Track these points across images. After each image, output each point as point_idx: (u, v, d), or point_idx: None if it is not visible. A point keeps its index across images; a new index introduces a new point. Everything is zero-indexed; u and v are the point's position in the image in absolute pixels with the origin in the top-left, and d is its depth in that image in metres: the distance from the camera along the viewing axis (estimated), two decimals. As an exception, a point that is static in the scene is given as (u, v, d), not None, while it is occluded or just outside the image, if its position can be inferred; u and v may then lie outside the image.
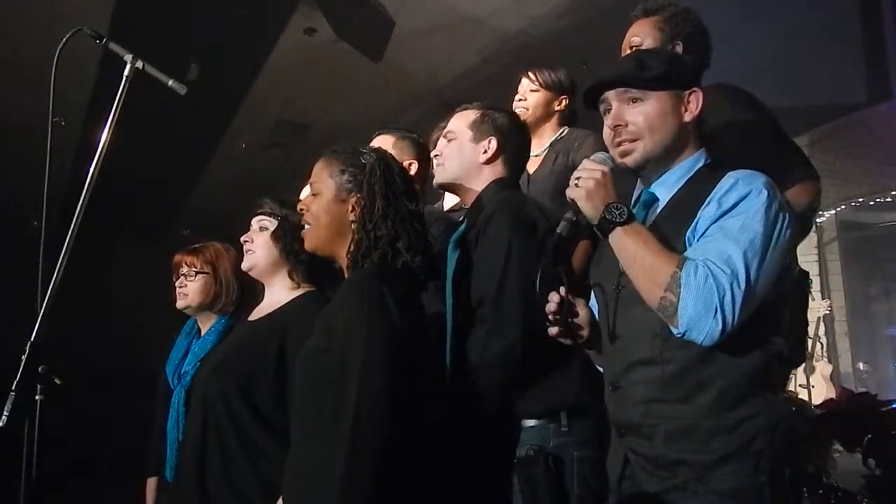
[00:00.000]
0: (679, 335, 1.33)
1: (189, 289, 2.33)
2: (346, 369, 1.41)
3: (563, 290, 1.51)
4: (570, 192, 1.48)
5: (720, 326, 1.29)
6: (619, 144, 1.49)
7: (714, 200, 1.38)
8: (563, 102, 2.62)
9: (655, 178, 1.51)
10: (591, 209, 1.44)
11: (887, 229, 8.06)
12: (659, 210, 1.51)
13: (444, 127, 2.14)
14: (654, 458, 1.40)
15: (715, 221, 1.37)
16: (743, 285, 1.30)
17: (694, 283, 1.30)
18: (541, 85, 2.61)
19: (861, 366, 7.42)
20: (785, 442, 1.37)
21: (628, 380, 1.46)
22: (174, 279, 2.37)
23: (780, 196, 1.40)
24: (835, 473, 3.55)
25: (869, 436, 3.50)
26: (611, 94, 1.50)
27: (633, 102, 1.48)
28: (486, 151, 1.93)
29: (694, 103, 1.49)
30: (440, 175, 2.00)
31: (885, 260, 8.34)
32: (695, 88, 1.50)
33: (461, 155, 1.95)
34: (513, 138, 1.97)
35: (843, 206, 7.52)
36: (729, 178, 1.40)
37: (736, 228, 1.34)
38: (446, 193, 2.47)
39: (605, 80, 1.52)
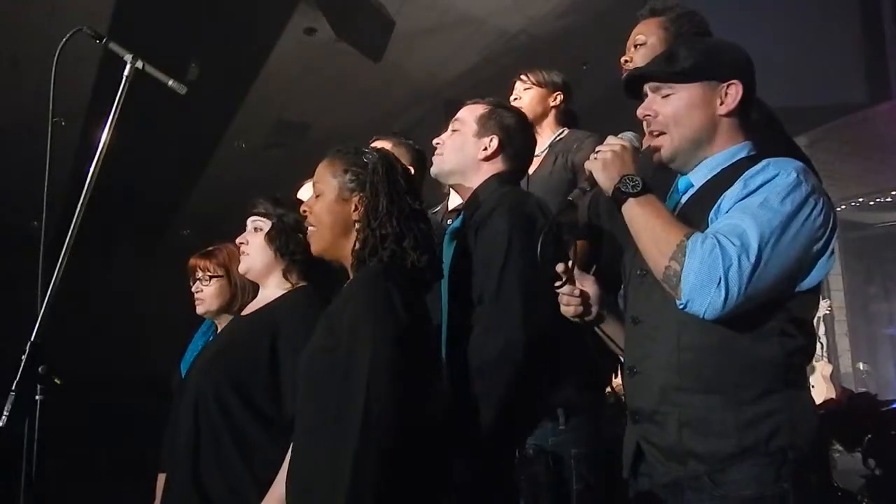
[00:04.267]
0: (682, 306, 1.29)
1: (205, 294, 2.35)
2: (354, 367, 1.41)
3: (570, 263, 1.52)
4: (588, 164, 1.48)
5: (722, 297, 1.25)
6: (651, 135, 1.48)
7: (741, 180, 1.35)
8: (558, 98, 2.66)
9: (692, 167, 1.48)
10: (606, 180, 1.43)
11: (887, 229, 8.07)
12: (690, 194, 1.48)
13: None
14: (666, 449, 1.37)
15: (739, 201, 1.33)
16: (752, 259, 1.25)
17: (699, 252, 1.27)
18: (533, 83, 2.65)
19: (861, 366, 7.43)
20: (809, 443, 1.31)
21: (646, 365, 1.43)
22: (191, 284, 2.39)
23: (814, 180, 1.36)
24: (835, 473, 3.55)
25: (869, 436, 3.50)
26: (648, 85, 1.50)
27: (665, 95, 1.46)
28: (486, 148, 1.92)
29: (731, 96, 1.43)
30: (437, 164, 1.99)
31: (885, 260, 8.34)
32: (734, 80, 1.44)
33: (462, 148, 1.94)
34: (516, 139, 1.95)
35: (843, 206, 7.51)
36: (762, 163, 1.37)
37: (755, 205, 1.30)
38: (451, 193, 2.47)
39: (634, 75, 1.52)
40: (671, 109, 1.44)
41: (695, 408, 1.34)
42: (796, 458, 1.29)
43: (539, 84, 2.65)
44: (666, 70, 1.46)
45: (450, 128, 2.01)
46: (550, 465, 1.70)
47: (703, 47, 1.52)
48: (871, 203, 7.51)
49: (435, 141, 2.04)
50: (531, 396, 1.75)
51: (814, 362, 5.95)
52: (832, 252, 1.37)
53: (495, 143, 1.92)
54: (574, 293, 1.54)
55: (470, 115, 1.97)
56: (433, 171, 2.03)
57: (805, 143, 5.23)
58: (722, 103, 1.44)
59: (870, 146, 6.09)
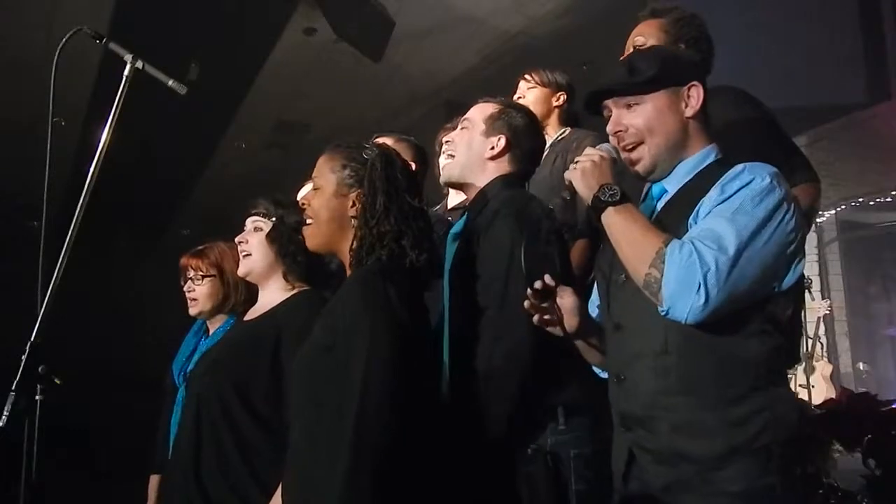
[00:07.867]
0: (664, 313, 1.32)
1: (198, 293, 2.32)
2: (350, 365, 1.41)
3: (547, 277, 1.51)
4: (567, 174, 1.51)
5: (702, 302, 1.27)
6: (626, 150, 1.50)
7: (718, 186, 1.38)
8: (561, 99, 2.69)
9: (668, 174, 1.51)
10: (584, 189, 1.47)
11: (887, 229, 8.07)
12: (666, 199, 1.51)
13: (451, 128, 2.14)
14: (658, 452, 1.39)
15: (716, 206, 1.36)
16: (730, 263, 1.28)
17: (678, 259, 1.30)
18: (537, 83, 2.68)
19: (861, 366, 7.43)
20: (792, 437, 1.35)
21: (633, 371, 1.44)
22: (182, 283, 2.36)
23: (786, 187, 1.39)
24: (835, 473, 3.55)
25: (869, 436, 3.50)
26: (609, 100, 1.51)
27: (630, 107, 1.48)
28: (493, 147, 1.92)
29: (694, 98, 1.47)
30: (448, 170, 2.00)
31: (885, 260, 8.34)
32: (694, 83, 1.48)
33: (469, 147, 1.95)
34: (524, 140, 1.95)
35: (843, 206, 7.52)
36: (737, 167, 1.40)
37: (731, 210, 1.33)
38: (451, 192, 2.47)
39: (598, 91, 1.54)
40: (642, 120, 1.47)
41: (684, 411, 1.37)
42: (781, 454, 1.32)
43: (543, 84, 2.67)
44: (630, 82, 1.49)
45: (459, 126, 2.02)
46: (550, 464, 1.70)
47: (660, 54, 1.58)
48: (871, 203, 7.51)
49: (445, 138, 2.04)
50: (535, 397, 1.75)
51: (814, 362, 5.96)
52: (803, 256, 1.40)
53: (503, 142, 1.92)
54: (553, 308, 1.54)
55: (479, 113, 1.98)
56: (443, 178, 2.04)
57: (805, 143, 5.23)
58: (687, 105, 1.47)
59: (870, 146, 6.08)
